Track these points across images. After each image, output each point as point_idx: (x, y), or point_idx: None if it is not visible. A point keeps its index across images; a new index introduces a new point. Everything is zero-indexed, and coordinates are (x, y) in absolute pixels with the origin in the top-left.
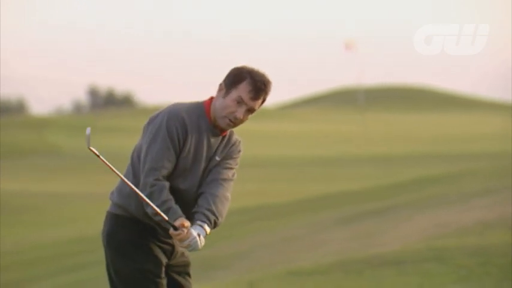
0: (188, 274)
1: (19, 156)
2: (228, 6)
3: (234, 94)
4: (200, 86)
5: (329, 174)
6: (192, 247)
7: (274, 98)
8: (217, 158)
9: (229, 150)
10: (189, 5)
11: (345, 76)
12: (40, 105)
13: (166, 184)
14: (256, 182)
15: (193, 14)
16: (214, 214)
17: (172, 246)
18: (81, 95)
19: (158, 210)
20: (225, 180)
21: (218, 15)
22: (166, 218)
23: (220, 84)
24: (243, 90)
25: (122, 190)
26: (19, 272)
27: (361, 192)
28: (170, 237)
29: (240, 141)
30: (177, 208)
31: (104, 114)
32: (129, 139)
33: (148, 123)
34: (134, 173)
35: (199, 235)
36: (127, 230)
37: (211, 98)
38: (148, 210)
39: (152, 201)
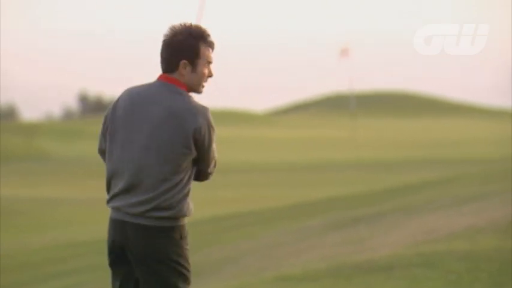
0: None
1: (9, 161)
2: (219, 11)
3: (201, 62)
4: None
5: (320, 179)
6: None
7: (265, 104)
8: None
9: None
10: (180, 11)
11: (337, 82)
12: (30, 111)
13: None
14: (246, 188)
15: (184, 20)
16: None
17: None
18: (71, 101)
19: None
20: None
21: (210, 19)
22: None
23: (184, 63)
24: (206, 54)
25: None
26: (8, 278)
27: (351, 198)
28: None
29: None
30: None
31: (93, 120)
32: None
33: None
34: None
35: None
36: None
37: (175, 79)
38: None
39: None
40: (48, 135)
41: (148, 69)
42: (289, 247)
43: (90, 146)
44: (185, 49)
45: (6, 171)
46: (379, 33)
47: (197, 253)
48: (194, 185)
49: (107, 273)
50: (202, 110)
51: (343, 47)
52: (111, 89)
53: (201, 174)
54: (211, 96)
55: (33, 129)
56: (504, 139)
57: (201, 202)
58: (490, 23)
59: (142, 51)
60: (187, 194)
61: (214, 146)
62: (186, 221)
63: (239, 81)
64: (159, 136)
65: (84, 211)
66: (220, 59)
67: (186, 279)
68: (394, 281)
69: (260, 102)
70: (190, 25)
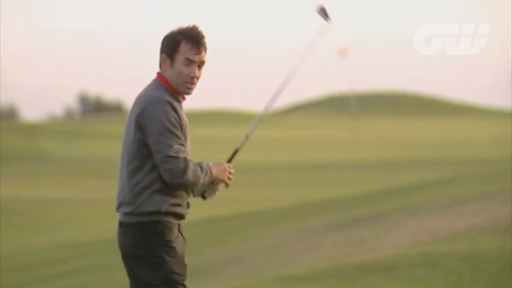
0: None
1: (10, 161)
2: (219, 11)
3: (180, 58)
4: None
5: (320, 179)
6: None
7: (265, 104)
8: None
9: None
10: (180, 11)
11: (337, 82)
12: (32, 111)
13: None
14: (247, 188)
15: (183, 20)
16: None
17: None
18: (72, 102)
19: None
20: None
21: (210, 20)
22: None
23: (163, 56)
24: (185, 51)
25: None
26: (8, 278)
27: (352, 198)
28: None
29: None
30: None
31: (94, 120)
32: (119, 145)
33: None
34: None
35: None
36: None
37: (159, 74)
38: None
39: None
40: (48, 136)
41: (149, 70)
42: (291, 247)
43: (91, 147)
44: (166, 43)
45: (6, 171)
46: (379, 33)
47: (199, 253)
48: None
49: (108, 273)
50: (154, 99)
51: (341, 47)
52: (112, 90)
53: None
54: (212, 97)
55: (33, 130)
56: (504, 139)
57: (202, 202)
58: (490, 23)
59: (142, 51)
60: (148, 188)
61: (162, 139)
62: (160, 216)
63: (239, 81)
64: (127, 134)
65: (84, 211)
66: (221, 59)
67: (161, 276)
68: (396, 281)
69: (261, 103)
70: (189, 25)
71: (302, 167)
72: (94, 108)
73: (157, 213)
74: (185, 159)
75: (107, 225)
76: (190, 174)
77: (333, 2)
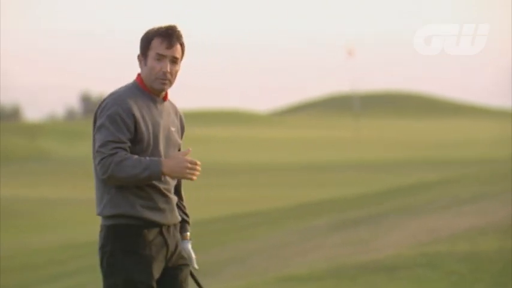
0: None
1: (11, 161)
2: (222, 11)
3: (151, 55)
4: (191, 90)
5: (322, 180)
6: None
7: (267, 104)
8: (173, 129)
9: (180, 124)
10: (180, 11)
11: (339, 82)
12: (34, 111)
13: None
14: (248, 188)
15: (185, 20)
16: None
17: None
18: (74, 102)
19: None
20: None
21: (213, 19)
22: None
23: (138, 56)
24: (155, 46)
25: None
26: (9, 278)
27: (354, 198)
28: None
29: (182, 114)
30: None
31: None
32: None
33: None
34: None
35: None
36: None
37: (139, 74)
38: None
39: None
40: (50, 136)
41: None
42: (292, 247)
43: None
44: (140, 43)
45: (7, 171)
46: (379, 33)
47: (202, 253)
48: (197, 185)
49: None
50: (107, 97)
51: (349, 47)
52: (113, 89)
53: None
54: (212, 96)
55: (35, 130)
56: (505, 139)
57: (204, 202)
58: (490, 23)
59: None
60: (107, 192)
61: (96, 135)
62: (120, 220)
63: (241, 81)
64: None
65: (85, 212)
66: (221, 59)
67: (115, 282)
68: (398, 282)
69: (263, 103)
70: (165, 25)
71: (303, 167)
72: (96, 108)
73: (112, 216)
74: (112, 154)
75: None
76: (116, 169)
77: (334, 2)
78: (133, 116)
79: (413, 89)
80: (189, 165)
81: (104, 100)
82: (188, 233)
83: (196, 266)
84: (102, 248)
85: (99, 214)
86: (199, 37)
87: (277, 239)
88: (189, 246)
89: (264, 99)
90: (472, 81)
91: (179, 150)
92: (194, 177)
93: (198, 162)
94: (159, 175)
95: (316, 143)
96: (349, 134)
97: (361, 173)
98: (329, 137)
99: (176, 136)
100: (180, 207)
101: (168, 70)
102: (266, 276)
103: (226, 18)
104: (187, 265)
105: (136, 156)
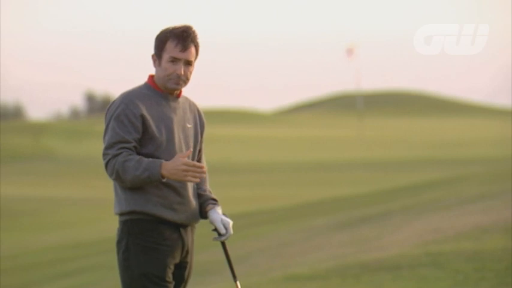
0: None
1: (16, 160)
2: (219, 11)
3: (165, 57)
4: (197, 89)
5: (326, 179)
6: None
7: (272, 103)
8: (189, 125)
9: (199, 120)
10: (188, 10)
11: (344, 81)
12: (37, 110)
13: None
14: (253, 187)
15: (191, 19)
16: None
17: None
18: (78, 100)
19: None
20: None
21: (210, 20)
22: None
23: (152, 56)
24: (170, 49)
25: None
26: (15, 277)
27: (358, 197)
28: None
29: (201, 110)
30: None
31: (100, 119)
32: None
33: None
34: None
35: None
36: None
37: (150, 74)
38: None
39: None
40: (54, 135)
41: (152, 69)
42: (297, 246)
43: (97, 146)
44: (155, 43)
45: (12, 170)
46: (380, 34)
47: (205, 252)
48: None
49: (112, 272)
50: (117, 98)
51: (349, 46)
52: (118, 88)
53: None
54: (213, 96)
55: (40, 129)
56: (508, 138)
57: None
58: (490, 23)
59: (147, 50)
60: (123, 192)
61: (106, 138)
62: (135, 216)
63: (246, 80)
64: None
65: (90, 211)
66: (221, 59)
67: (131, 275)
68: (402, 281)
69: (267, 102)
70: (180, 24)
71: (307, 166)
72: (101, 107)
73: (127, 212)
74: (116, 155)
75: (112, 224)
76: (121, 170)
77: (336, 2)
78: (141, 115)
79: (418, 88)
80: (186, 167)
81: (114, 101)
82: (218, 206)
83: (231, 231)
84: (119, 243)
85: (116, 213)
86: (204, 36)
87: (282, 238)
88: (220, 212)
89: (268, 99)
90: (472, 81)
91: (199, 147)
92: (195, 180)
93: (198, 164)
94: (158, 177)
95: (320, 142)
96: (353, 133)
97: (365, 172)
98: (333, 136)
99: (193, 132)
100: (208, 195)
101: (182, 73)
102: (270, 275)
103: (231, 18)
104: (190, 263)
105: (138, 157)
